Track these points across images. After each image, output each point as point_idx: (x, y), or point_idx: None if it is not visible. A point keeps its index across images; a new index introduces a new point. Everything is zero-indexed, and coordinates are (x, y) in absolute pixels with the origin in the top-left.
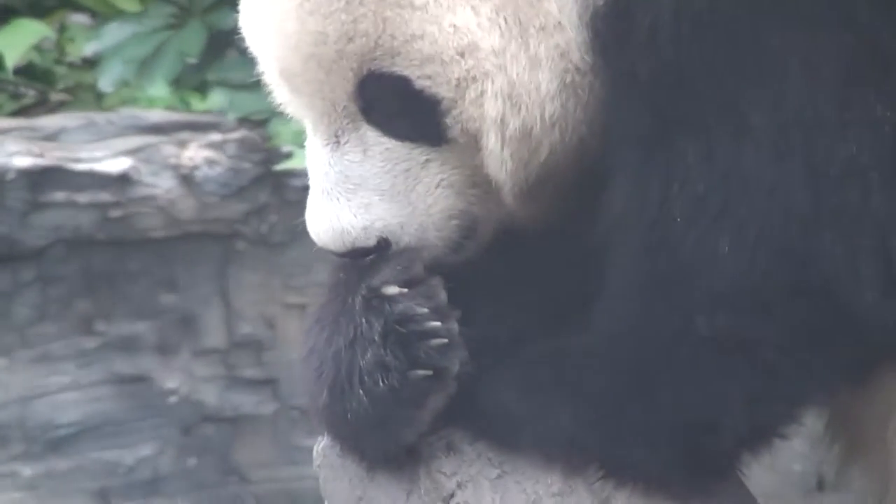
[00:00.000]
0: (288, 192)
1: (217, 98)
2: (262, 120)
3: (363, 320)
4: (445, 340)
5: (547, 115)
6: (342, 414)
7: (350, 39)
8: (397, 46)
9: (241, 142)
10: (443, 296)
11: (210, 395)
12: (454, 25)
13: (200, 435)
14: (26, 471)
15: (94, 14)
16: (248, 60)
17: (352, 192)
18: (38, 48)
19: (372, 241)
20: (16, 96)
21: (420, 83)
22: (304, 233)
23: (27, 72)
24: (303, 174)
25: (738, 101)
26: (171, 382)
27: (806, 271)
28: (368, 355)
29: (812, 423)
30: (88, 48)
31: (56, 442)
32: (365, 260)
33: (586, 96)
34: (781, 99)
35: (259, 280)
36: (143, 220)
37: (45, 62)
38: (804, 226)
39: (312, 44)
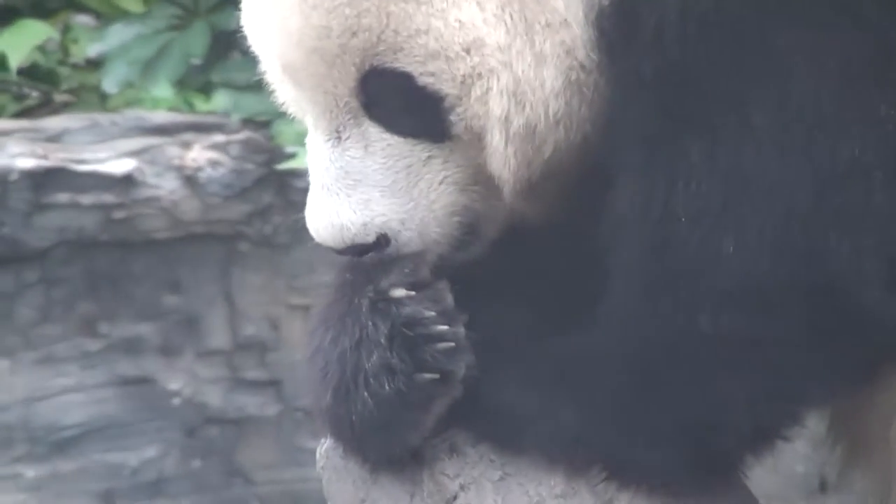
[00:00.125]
0: (292, 193)
1: (221, 99)
2: (266, 121)
3: (369, 322)
4: (452, 344)
5: (551, 113)
6: (346, 416)
7: (353, 34)
8: (400, 42)
9: (245, 143)
10: (450, 299)
11: (214, 397)
12: (459, 21)
13: (204, 436)
14: (30, 472)
15: (97, 15)
16: (251, 61)
17: (352, 188)
18: (41, 49)
19: (371, 238)
20: (19, 97)
21: (423, 80)
22: (307, 234)
23: (31, 73)
24: (306, 175)
25: (743, 101)
26: (174, 384)
27: (810, 270)
28: (374, 358)
29: (815, 424)
30: (92, 49)
31: (60, 443)
32: (366, 258)
33: (591, 94)
34: (786, 98)
35: (263, 281)
36: (146, 222)
37: (48, 63)
38: (808, 225)
39: (315, 38)
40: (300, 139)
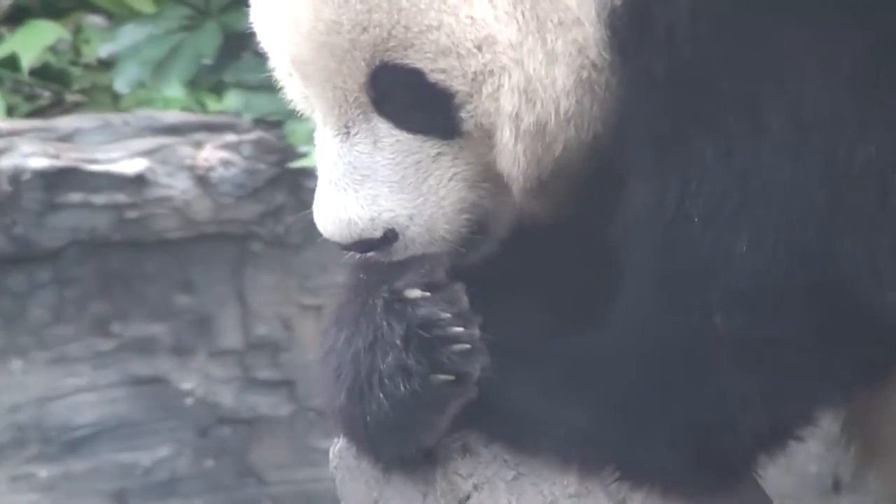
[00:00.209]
0: (304, 192)
1: (233, 99)
2: (278, 121)
3: (384, 323)
4: (469, 346)
5: (562, 111)
6: (360, 416)
7: (364, 29)
8: (411, 38)
9: (257, 143)
10: (465, 301)
11: (226, 397)
12: (471, 17)
13: (217, 436)
14: (43, 472)
15: (109, 15)
16: (263, 61)
17: (359, 184)
18: (53, 49)
19: (378, 233)
20: (31, 97)
21: (434, 76)
22: (319, 233)
23: (43, 73)
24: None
25: (757, 101)
26: (187, 384)
27: (824, 271)
28: (389, 359)
29: (828, 424)
30: (104, 49)
31: (72, 443)
32: (377, 256)
33: (602, 93)
34: (799, 99)
35: (275, 281)
36: (158, 222)
37: (60, 63)
38: (823, 225)
39: (326, 33)
40: (312, 139)
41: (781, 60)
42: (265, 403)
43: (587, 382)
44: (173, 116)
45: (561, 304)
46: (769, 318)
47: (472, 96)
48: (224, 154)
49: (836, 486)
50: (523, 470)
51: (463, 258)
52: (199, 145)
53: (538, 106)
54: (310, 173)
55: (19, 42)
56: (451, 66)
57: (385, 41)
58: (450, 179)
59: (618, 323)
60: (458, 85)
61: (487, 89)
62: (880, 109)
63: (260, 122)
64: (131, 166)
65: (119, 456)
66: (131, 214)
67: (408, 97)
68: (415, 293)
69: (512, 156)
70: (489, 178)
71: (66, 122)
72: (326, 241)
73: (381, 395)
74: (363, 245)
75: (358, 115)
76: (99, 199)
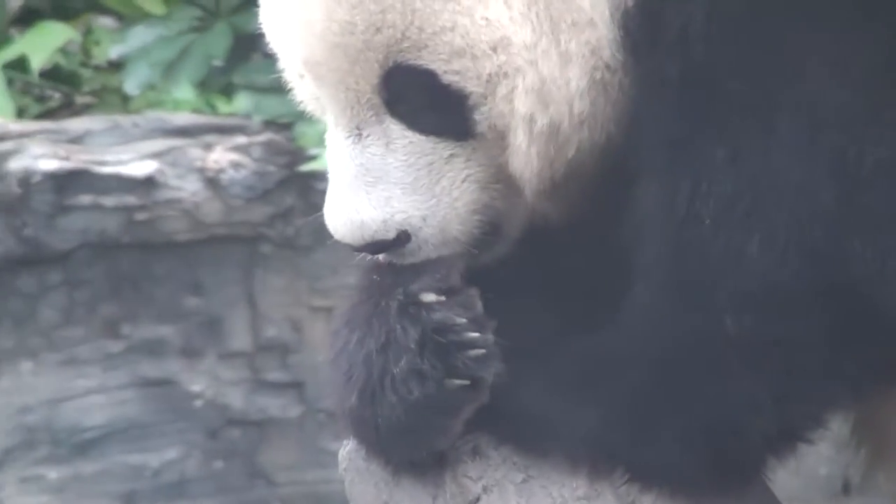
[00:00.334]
0: (314, 194)
1: (243, 101)
2: (288, 123)
3: (399, 326)
4: (484, 351)
5: (576, 112)
6: (371, 418)
7: (377, 30)
8: (425, 39)
9: (267, 145)
10: (480, 306)
11: (236, 399)
12: (486, 18)
13: (226, 438)
14: (52, 474)
15: (119, 17)
16: (273, 63)
17: (372, 185)
18: (63, 51)
19: (391, 234)
20: (41, 99)
21: (448, 77)
22: (329, 235)
23: (53, 74)
24: (328, 176)
25: (768, 102)
26: (196, 386)
27: (835, 272)
28: (403, 362)
29: (838, 426)
30: (114, 51)
31: (82, 445)
32: (384, 256)
33: (616, 94)
34: (810, 99)
35: (285, 283)
36: (168, 224)
37: (70, 65)
38: (833, 226)
39: (339, 33)
40: (322, 141)
41: (793, 61)
42: (275, 405)
43: (596, 384)
44: (183, 118)
45: (571, 305)
46: (779, 319)
47: (486, 98)
48: (234, 156)
49: (846, 489)
50: (533, 472)
51: (475, 259)
52: (209, 147)
53: (552, 107)
54: (320, 175)
55: (29, 44)
56: (465, 68)
57: (399, 42)
58: (463, 181)
59: (628, 324)
60: (472, 86)
61: (502, 91)
62: (891, 110)
63: (270, 124)
64: (141, 168)
65: (128, 457)
66: (141, 216)
67: (421, 98)
68: (430, 297)
69: (525, 157)
70: (502, 179)
71: (76, 124)
72: (336, 242)
73: (394, 398)
74: (375, 246)
75: (370, 116)
76: (109, 200)
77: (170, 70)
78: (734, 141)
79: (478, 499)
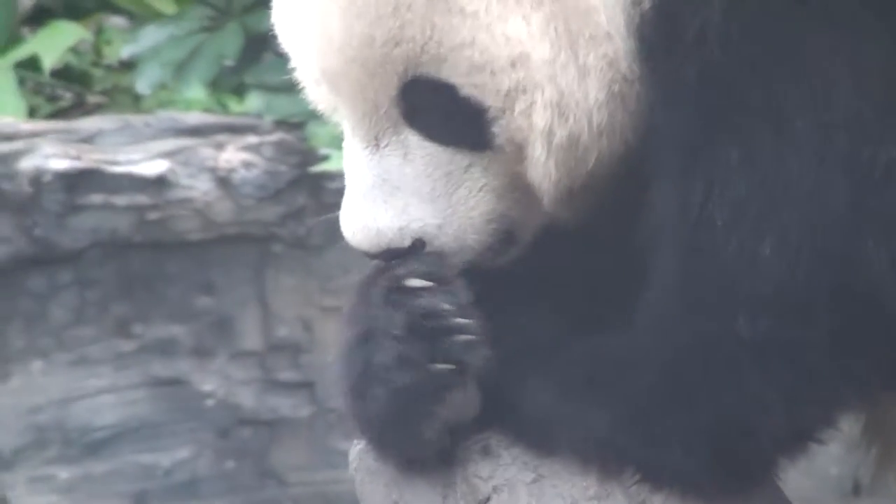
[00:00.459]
0: (325, 194)
1: (254, 100)
2: (300, 122)
3: (384, 313)
4: (472, 337)
5: (595, 124)
6: (364, 411)
7: (397, 44)
8: (444, 53)
9: (278, 144)
10: (466, 294)
11: (247, 399)
12: (506, 35)
13: (237, 438)
14: (63, 474)
15: (131, 16)
16: (285, 63)
17: (390, 195)
18: (75, 50)
19: (407, 242)
20: (53, 99)
21: (466, 91)
22: (341, 235)
23: (64, 74)
24: (340, 176)
25: (783, 104)
26: (207, 385)
27: (848, 275)
28: (389, 349)
29: (849, 427)
30: (125, 50)
31: (93, 445)
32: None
33: (633, 104)
34: (826, 102)
35: (296, 283)
36: (179, 223)
37: (82, 64)
38: (847, 230)
39: (358, 47)
40: (334, 141)
41: (808, 63)
42: (285, 405)
43: (608, 384)
44: (194, 118)
45: (582, 306)
46: (791, 321)
47: (504, 112)
48: (245, 156)
49: (857, 489)
50: (543, 472)
51: (488, 263)
52: (220, 147)
53: (571, 120)
54: (331, 175)
55: (41, 43)
56: (483, 82)
57: (418, 56)
58: (479, 190)
59: (640, 325)
60: (490, 100)
61: (520, 105)
62: None
63: (281, 124)
64: (152, 168)
65: (139, 457)
66: (152, 216)
67: (439, 110)
68: (416, 282)
69: (544, 169)
70: (519, 188)
71: (87, 124)
72: (348, 243)
73: (382, 386)
74: (390, 254)
75: (388, 127)
76: (120, 200)
77: (181, 70)
78: (748, 143)
79: (488, 498)
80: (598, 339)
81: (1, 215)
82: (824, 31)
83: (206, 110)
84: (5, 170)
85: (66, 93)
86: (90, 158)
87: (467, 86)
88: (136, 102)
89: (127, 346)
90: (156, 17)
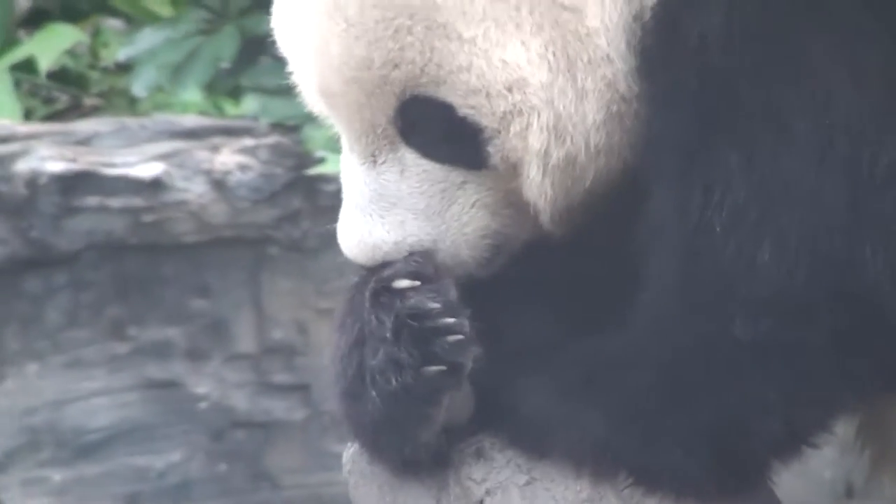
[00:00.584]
0: (321, 197)
1: (250, 103)
2: (295, 125)
3: (373, 317)
4: (461, 337)
5: (592, 145)
6: (359, 415)
7: (396, 66)
8: (443, 76)
9: (274, 147)
10: (453, 292)
11: (241, 401)
12: (503, 60)
13: (231, 440)
14: (56, 476)
15: (127, 19)
16: (281, 66)
17: (386, 210)
18: (71, 53)
19: (402, 257)
20: (49, 101)
21: (463, 111)
22: (336, 239)
23: (60, 76)
24: (336, 180)
25: (783, 108)
26: (201, 388)
27: (846, 278)
28: (380, 353)
29: (843, 429)
30: (122, 53)
31: (86, 447)
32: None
33: (631, 123)
34: (825, 105)
35: (291, 285)
36: (175, 226)
37: (78, 67)
38: (845, 233)
39: (356, 68)
40: (329, 144)
41: (807, 66)
42: (280, 408)
43: (602, 386)
44: (191, 120)
45: (576, 309)
46: (789, 325)
47: (499, 133)
48: (241, 158)
49: (850, 492)
50: (536, 475)
51: (479, 273)
52: (216, 149)
53: (568, 142)
54: (327, 178)
55: (37, 45)
56: (480, 104)
57: (417, 77)
58: (472, 206)
59: (637, 326)
60: (486, 121)
61: (516, 128)
62: None
63: (277, 127)
64: (148, 170)
65: (133, 460)
66: (148, 218)
67: (436, 129)
68: (403, 283)
69: (539, 189)
70: (513, 205)
71: (83, 126)
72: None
73: (374, 390)
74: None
75: (385, 144)
76: (115, 202)
77: (177, 72)
78: (748, 147)
79: (481, 501)
80: (595, 341)
81: None
82: (824, 34)
83: (202, 113)
84: (1, 172)
85: (63, 95)
86: (86, 161)
87: (464, 107)
88: (132, 105)
89: (121, 348)
90: (152, 19)
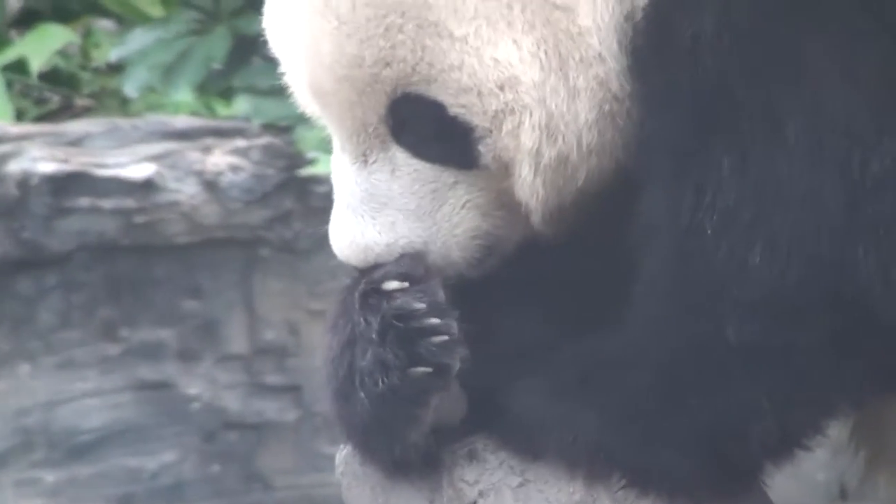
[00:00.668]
0: (312, 198)
1: (242, 104)
2: (287, 126)
3: (361, 318)
4: (447, 338)
5: (584, 144)
6: (351, 417)
7: (387, 65)
8: (434, 74)
9: (266, 148)
10: (441, 293)
11: (233, 402)
12: (495, 59)
13: (223, 442)
14: (49, 477)
15: (118, 19)
16: (273, 66)
17: (377, 211)
18: (62, 53)
19: (394, 258)
20: (40, 102)
21: (455, 110)
22: (328, 240)
23: (52, 77)
24: (327, 180)
25: (775, 110)
26: (193, 389)
27: (839, 281)
28: (368, 354)
29: (836, 431)
30: (113, 54)
31: (79, 448)
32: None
33: (624, 122)
34: (818, 107)
35: (283, 286)
36: (167, 226)
37: (69, 67)
38: (837, 236)
39: (347, 66)
40: (321, 145)
41: (801, 67)
42: (272, 409)
43: (595, 388)
44: (182, 121)
45: (569, 311)
46: (781, 328)
47: (491, 132)
48: (233, 159)
49: (843, 494)
50: (529, 476)
51: (467, 273)
52: (207, 150)
53: (560, 141)
54: (318, 179)
55: (28, 46)
56: (471, 103)
57: (408, 76)
58: (462, 207)
59: (629, 328)
60: (477, 120)
61: (507, 126)
62: None
63: (269, 128)
64: (140, 171)
65: (125, 461)
66: (139, 219)
67: (427, 128)
68: (392, 284)
69: (530, 188)
70: (504, 204)
71: (74, 127)
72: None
73: (363, 391)
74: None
75: (376, 143)
76: (107, 203)
77: (169, 73)
78: (740, 149)
79: (474, 503)
80: (588, 342)
81: None
82: (818, 34)
83: (194, 114)
84: None
85: (54, 96)
86: (77, 161)
87: (455, 105)
88: (123, 105)
89: (113, 349)
90: (143, 20)
